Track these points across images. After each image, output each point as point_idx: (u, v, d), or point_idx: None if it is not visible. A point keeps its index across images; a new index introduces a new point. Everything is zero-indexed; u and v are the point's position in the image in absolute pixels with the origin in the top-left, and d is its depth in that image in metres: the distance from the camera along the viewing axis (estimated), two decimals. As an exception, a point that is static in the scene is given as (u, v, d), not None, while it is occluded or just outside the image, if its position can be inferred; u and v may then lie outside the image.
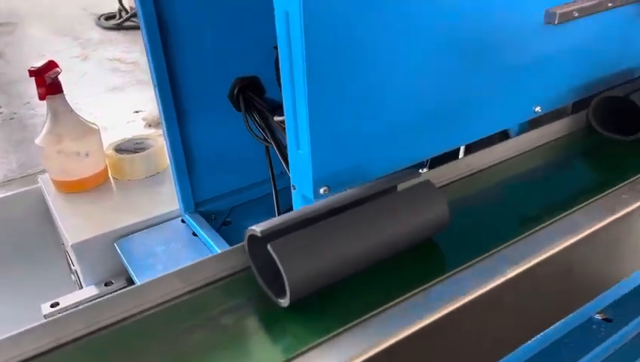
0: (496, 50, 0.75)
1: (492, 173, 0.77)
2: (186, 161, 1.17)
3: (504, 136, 0.91)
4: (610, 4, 0.82)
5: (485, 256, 0.59)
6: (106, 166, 1.41)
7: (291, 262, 0.51)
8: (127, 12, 5.21)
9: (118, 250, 1.19)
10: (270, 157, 1.07)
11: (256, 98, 1.05)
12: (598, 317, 0.91)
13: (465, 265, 0.58)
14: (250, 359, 0.49)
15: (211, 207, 1.25)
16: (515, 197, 0.72)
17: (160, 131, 1.20)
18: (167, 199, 1.28)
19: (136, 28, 4.94)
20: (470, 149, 0.95)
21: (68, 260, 1.41)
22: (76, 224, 1.25)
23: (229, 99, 1.06)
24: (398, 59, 0.65)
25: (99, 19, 5.39)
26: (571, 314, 0.69)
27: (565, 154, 0.82)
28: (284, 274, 0.51)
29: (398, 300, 0.54)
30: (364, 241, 0.55)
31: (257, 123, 1.03)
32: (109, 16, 5.37)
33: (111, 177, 1.42)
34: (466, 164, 0.78)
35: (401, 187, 0.61)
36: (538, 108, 0.84)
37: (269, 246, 0.51)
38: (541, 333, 0.63)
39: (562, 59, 0.82)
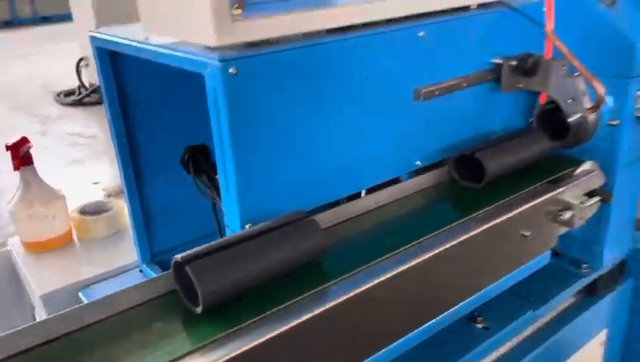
0: (381, 121, 1.01)
1: (379, 212, 1.02)
2: (143, 216, 1.36)
3: (397, 180, 1.15)
4: (465, 85, 1.11)
5: (359, 269, 0.82)
6: (71, 227, 1.59)
7: (203, 278, 0.71)
8: (86, 88, 5.43)
9: (83, 299, 1.35)
10: (216, 212, 1.28)
11: (204, 162, 1.27)
12: (479, 326, 1.13)
13: (341, 277, 0.80)
14: (165, 349, 0.69)
15: (166, 257, 1.43)
16: (388, 228, 0.96)
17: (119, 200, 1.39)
18: (127, 252, 1.46)
19: (96, 103, 5.16)
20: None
21: (34, 318, 1.54)
22: (43, 278, 1.40)
23: (181, 164, 1.28)
24: (305, 127, 0.90)
25: (58, 95, 5.59)
26: (438, 318, 0.91)
27: (433, 198, 1.07)
28: (197, 288, 0.70)
29: (286, 304, 0.75)
30: (262, 262, 0.76)
31: (205, 183, 1.25)
32: (68, 93, 5.57)
33: (75, 237, 1.59)
34: (352, 207, 1.02)
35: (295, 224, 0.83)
36: (418, 162, 1.10)
37: (185, 267, 0.72)
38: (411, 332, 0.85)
39: (432, 125, 1.09)
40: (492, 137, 1.16)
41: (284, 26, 0.84)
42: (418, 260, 0.83)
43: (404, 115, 1.04)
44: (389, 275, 0.79)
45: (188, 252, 0.74)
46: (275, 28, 0.83)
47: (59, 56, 7.09)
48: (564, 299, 1.30)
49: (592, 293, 1.37)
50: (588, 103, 1.08)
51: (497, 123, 1.23)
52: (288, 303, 0.75)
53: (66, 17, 5.93)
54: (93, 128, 4.67)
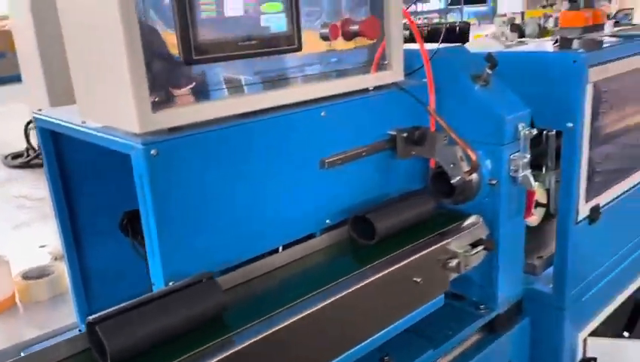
0: (292, 188, 1.18)
1: (285, 268, 1.17)
2: (82, 278, 1.46)
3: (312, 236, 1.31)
4: (365, 153, 1.30)
5: (260, 320, 0.97)
6: (14, 292, 1.66)
7: (111, 337, 0.82)
8: (34, 150, 5.44)
9: (23, 360, 1.41)
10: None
11: (140, 226, 1.40)
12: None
13: (244, 327, 0.94)
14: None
15: (105, 316, 1.52)
16: (293, 281, 1.12)
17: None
18: (67, 314, 1.54)
19: (44, 165, 5.16)
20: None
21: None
22: (-15, 341, 1.47)
23: (119, 228, 1.40)
24: (221, 198, 1.05)
25: (5, 158, 5.57)
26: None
27: (334, 254, 1.24)
28: (106, 346, 0.82)
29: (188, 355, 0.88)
30: (167, 320, 0.89)
31: (142, 245, 1.37)
32: (16, 155, 5.57)
33: (18, 301, 1.66)
34: (260, 265, 1.17)
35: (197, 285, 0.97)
36: (328, 221, 1.27)
37: (96, 328, 0.84)
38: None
39: (338, 188, 1.27)
40: (395, 197, 1.35)
41: (199, 114, 1.01)
42: (315, 308, 0.99)
43: (312, 181, 1.22)
44: (288, 322, 0.94)
45: (100, 313, 0.87)
46: (192, 115, 1.00)
47: (7, 117, 7.08)
48: (466, 338, 1.47)
49: (493, 331, 1.54)
50: (466, 167, 1.29)
51: (398, 184, 1.42)
52: (190, 353, 0.88)
53: (15, 79, 5.99)
54: (41, 190, 4.67)
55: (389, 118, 1.35)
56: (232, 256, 1.11)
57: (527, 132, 1.35)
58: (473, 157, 1.26)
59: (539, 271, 1.63)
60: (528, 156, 1.37)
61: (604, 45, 1.51)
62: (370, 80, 1.31)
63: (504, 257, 1.45)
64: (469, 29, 5.29)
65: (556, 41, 1.53)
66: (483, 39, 1.99)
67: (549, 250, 1.67)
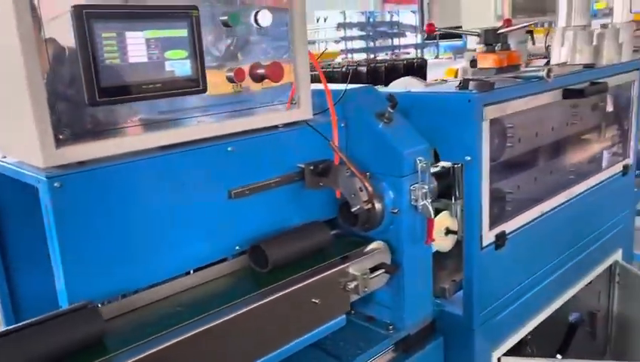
0: (200, 217, 1.28)
1: (183, 294, 1.27)
2: (12, 307, 1.53)
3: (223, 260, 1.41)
4: (273, 185, 1.42)
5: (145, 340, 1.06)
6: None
7: None
8: None
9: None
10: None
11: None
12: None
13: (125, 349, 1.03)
14: None
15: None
16: (192, 303, 1.22)
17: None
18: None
19: None
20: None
21: None
22: None
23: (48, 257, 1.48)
24: (126, 227, 1.15)
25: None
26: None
27: (232, 281, 1.34)
28: None
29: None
30: (45, 345, 0.97)
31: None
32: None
33: (-48, 328, 1.71)
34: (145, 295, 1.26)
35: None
36: (238, 247, 1.38)
37: None
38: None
39: (247, 217, 1.38)
40: (293, 228, 1.45)
41: (104, 149, 1.12)
42: (208, 326, 1.08)
43: (220, 211, 1.32)
44: (170, 343, 1.03)
45: None
46: (97, 151, 1.11)
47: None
48: (376, 356, 1.56)
49: (405, 351, 1.64)
50: (365, 197, 1.41)
51: (312, 213, 1.53)
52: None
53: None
54: None
55: (299, 152, 1.47)
56: (139, 281, 1.20)
57: (424, 165, 1.48)
58: (370, 188, 1.39)
59: (450, 294, 1.75)
60: (427, 187, 1.50)
61: (498, 86, 1.66)
62: (281, 117, 1.44)
63: (410, 280, 1.57)
64: (426, 65, 5.53)
65: (459, 83, 1.68)
66: (407, 79, 2.13)
67: (461, 275, 1.79)
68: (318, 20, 17.94)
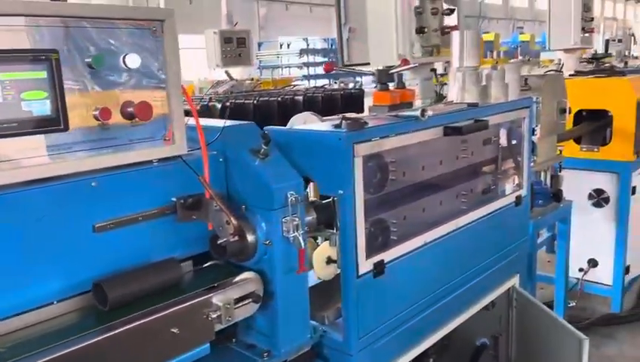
0: (59, 248, 1.32)
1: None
2: None
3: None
4: (141, 219, 1.47)
5: None
6: None
7: None
8: None
9: None
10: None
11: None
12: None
13: None
14: None
15: None
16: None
17: None
18: None
19: None
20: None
21: None
22: None
23: None
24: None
25: None
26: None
27: (75, 318, 1.37)
28: None
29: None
30: None
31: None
32: None
33: None
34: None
35: None
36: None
37: None
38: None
39: (113, 252, 1.42)
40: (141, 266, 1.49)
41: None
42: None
43: (85, 245, 1.37)
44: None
45: None
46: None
47: None
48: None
49: (286, 377, 1.70)
50: (231, 230, 1.49)
51: (188, 246, 1.59)
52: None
53: None
54: None
55: (174, 186, 1.54)
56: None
57: (294, 198, 1.57)
58: (234, 221, 1.46)
59: (329, 321, 1.83)
60: (297, 220, 1.58)
61: (372, 125, 1.78)
62: (154, 153, 1.50)
63: (284, 308, 1.64)
64: (363, 95, 5.69)
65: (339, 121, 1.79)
66: (306, 114, 2.24)
67: (343, 302, 1.87)
68: (281, 46, 18.18)
